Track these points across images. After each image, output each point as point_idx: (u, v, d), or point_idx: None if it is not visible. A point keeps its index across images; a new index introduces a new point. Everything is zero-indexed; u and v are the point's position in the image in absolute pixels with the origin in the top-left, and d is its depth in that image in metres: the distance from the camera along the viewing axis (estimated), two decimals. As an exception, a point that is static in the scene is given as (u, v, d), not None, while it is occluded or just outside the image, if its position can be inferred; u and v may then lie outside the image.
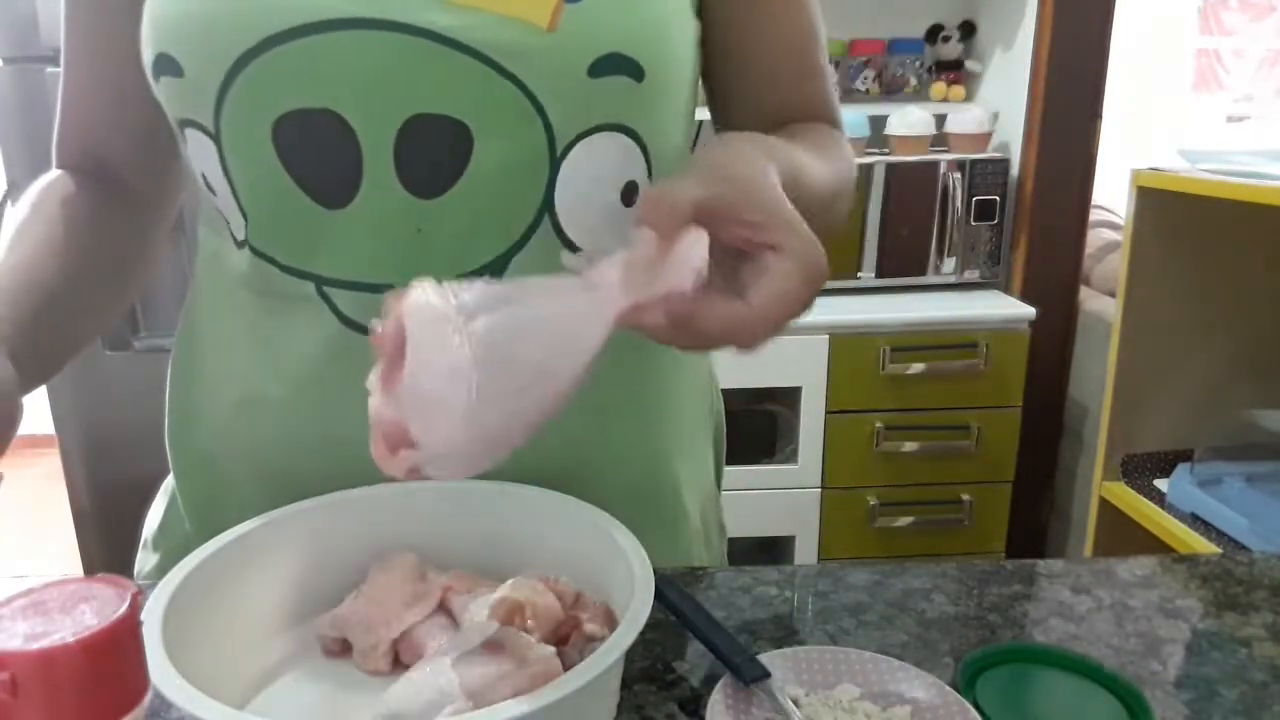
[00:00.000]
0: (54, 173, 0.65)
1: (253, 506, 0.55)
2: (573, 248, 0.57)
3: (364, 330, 0.56)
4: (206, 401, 0.65)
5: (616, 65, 0.54)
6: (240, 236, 0.58)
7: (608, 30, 0.53)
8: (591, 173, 0.56)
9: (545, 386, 0.41)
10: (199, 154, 0.57)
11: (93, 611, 0.41)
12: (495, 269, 0.56)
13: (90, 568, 2.08)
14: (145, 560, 0.71)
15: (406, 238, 0.54)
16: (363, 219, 0.54)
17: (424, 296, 0.39)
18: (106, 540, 2.06)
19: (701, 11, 0.62)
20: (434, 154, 0.53)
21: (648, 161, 0.59)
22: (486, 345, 0.38)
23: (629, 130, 0.57)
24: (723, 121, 0.69)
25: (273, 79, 0.52)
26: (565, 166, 0.55)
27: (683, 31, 0.59)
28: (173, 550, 0.68)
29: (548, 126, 0.54)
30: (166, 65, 0.54)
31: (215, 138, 0.54)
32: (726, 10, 0.62)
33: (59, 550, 2.48)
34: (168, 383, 0.68)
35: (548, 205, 0.56)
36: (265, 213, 0.56)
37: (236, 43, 0.51)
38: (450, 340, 0.38)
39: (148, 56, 0.55)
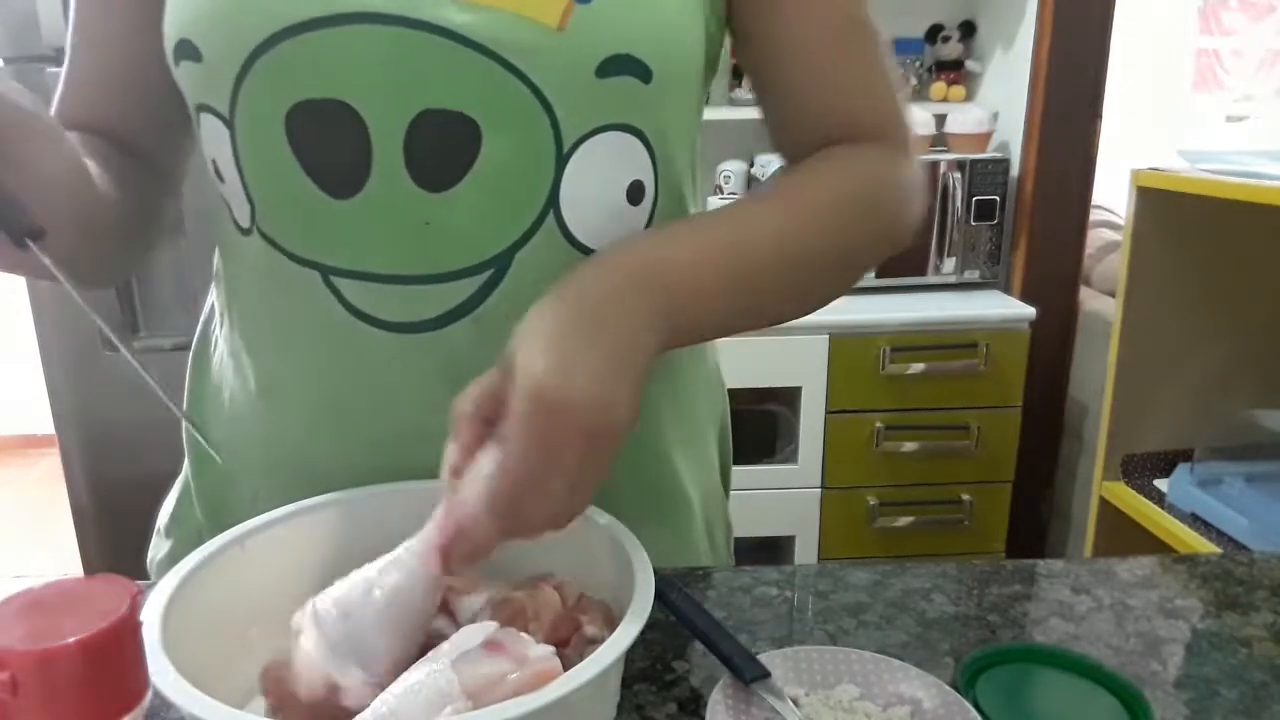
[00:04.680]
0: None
1: (264, 500, 0.55)
2: (576, 243, 0.58)
3: (371, 320, 0.57)
4: (223, 389, 0.65)
5: (624, 66, 0.54)
6: (245, 224, 0.59)
7: (616, 32, 0.54)
8: (597, 171, 0.57)
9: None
10: (212, 139, 0.58)
11: (93, 611, 0.41)
12: (500, 263, 0.56)
13: (90, 568, 2.07)
14: (158, 547, 0.72)
15: (414, 230, 0.55)
16: (370, 210, 0.55)
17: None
18: (106, 540, 2.06)
19: (730, 11, 0.61)
20: (443, 148, 0.54)
21: (653, 161, 0.60)
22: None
23: (636, 130, 0.57)
24: (769, 125, 0.66)
25: (288, 69, 0.52)
26: (571, 164, 0.56)
27: (692, 33, 0.59)
28: (185, 539, 0.69)
29: (555, 124, 0.54)
30: (187, 50, 0.55)
31: (230, 124, 0.55)
32: (753, 5, 0.61)
33: (59, 550, 2.48)
34: (188, 370, 0.69)
35: (553, 202, 0.56)
36: (273, 200, 0.57)
37: (255, 31, 0.52)
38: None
39: (169, 42, 0.56)
